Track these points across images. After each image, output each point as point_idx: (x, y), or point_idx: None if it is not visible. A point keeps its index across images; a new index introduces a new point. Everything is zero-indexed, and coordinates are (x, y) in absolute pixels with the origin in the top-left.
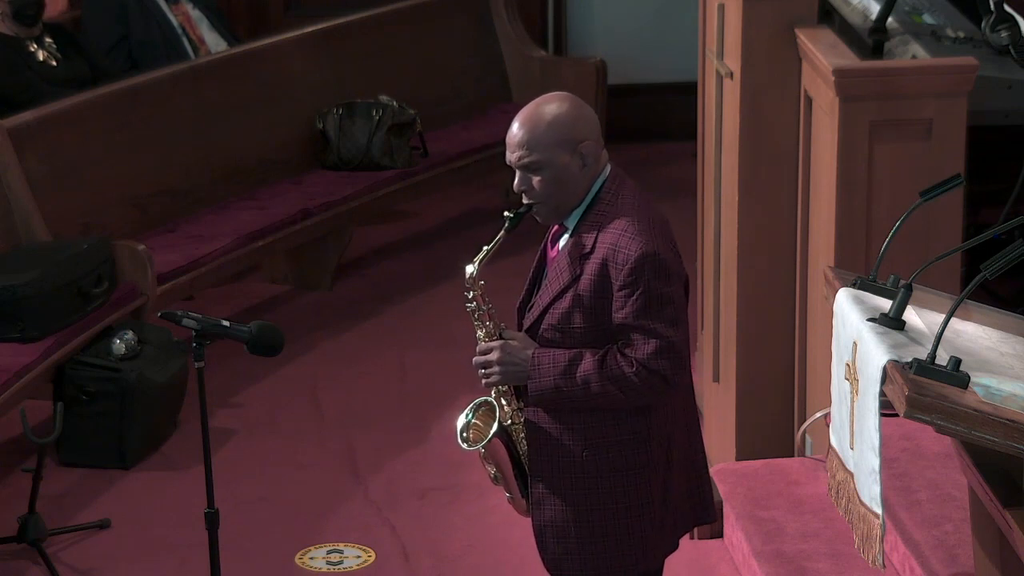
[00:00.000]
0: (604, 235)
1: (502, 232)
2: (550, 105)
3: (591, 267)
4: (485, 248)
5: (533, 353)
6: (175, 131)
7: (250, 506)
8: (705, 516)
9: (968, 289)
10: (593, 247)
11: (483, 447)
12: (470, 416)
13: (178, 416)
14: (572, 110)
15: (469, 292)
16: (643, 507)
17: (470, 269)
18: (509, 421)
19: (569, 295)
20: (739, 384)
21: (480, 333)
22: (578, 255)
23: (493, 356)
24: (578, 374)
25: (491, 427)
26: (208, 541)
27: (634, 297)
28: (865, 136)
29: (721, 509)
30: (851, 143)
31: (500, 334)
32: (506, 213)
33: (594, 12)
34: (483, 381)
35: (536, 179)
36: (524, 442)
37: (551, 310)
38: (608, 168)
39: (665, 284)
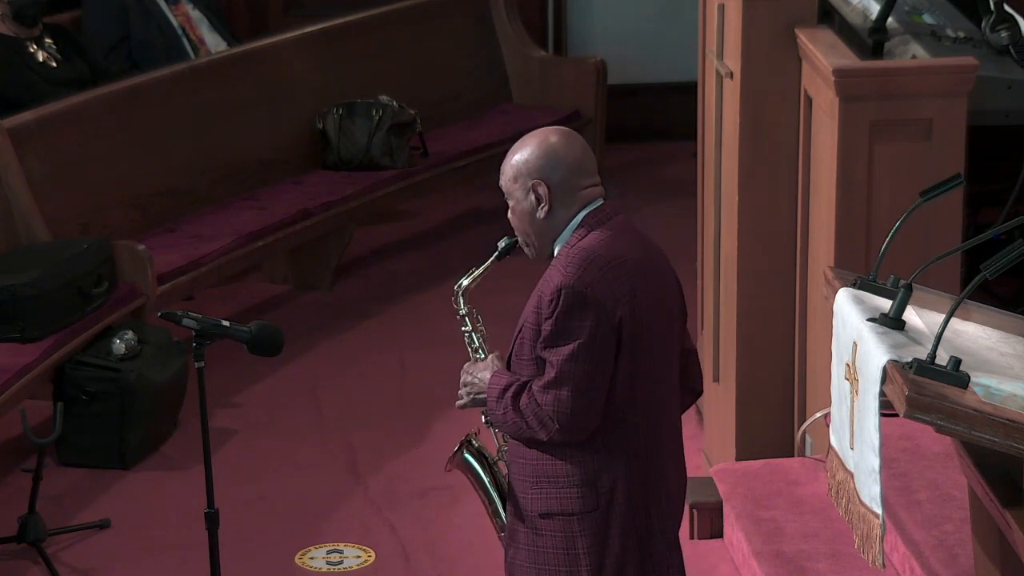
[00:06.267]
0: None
1: (491, 259)
2: (532, 139)
3: (537, 301)
4: (474, 270)
5: (492, 374)
6: (175, 131)
7: (250, 506)
8: None
9: (968, 289)
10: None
11: (451, 466)
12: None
13: (178, 416)
14: (544, 149)
15: (458, 308)
16: (591, 556)
17: (460, 283)
18: (498, 455)
19: (526, 326)
20: (739, 384)
21: (469, 351)
22: (539, 291)
23: (463, 377)
24: (505, 398)
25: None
26: (208, 541)
27: (546, 327)
28: (865, 136)
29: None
30: (851, 143)
31: (489, 356)
32: (499, 242)
33: (594, 12)
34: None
35: (509, 210)
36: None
37: (517, 339)
38: (593, 205)
39: (577, 319)
